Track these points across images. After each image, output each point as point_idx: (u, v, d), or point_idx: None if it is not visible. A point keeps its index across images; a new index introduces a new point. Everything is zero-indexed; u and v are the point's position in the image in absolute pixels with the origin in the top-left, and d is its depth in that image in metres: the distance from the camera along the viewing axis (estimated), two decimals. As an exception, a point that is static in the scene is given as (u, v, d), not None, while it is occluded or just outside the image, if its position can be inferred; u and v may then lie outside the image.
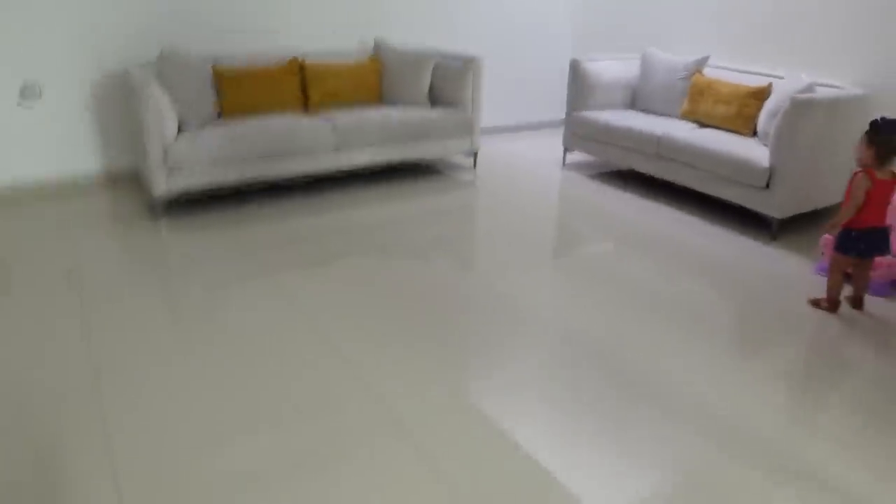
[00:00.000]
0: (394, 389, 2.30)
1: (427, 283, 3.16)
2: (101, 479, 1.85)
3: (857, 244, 2.94)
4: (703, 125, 4.43)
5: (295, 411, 2.18)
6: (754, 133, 4.15)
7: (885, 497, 1.86)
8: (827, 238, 3.37)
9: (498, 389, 2.33)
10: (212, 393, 2.26)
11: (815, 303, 3.08)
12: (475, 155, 5.02)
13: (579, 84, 4.91)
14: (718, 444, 2.06)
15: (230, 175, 3.95)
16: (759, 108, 4.12)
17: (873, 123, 2.86)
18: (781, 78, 4.17)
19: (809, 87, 3.79)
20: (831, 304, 3.03)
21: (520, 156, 5.48)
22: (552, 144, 5.61)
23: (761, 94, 4.14)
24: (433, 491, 1.84)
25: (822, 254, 3.41)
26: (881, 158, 2.83)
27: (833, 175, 3.80)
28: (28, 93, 4.02)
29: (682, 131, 4.26)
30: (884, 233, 2.96)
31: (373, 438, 2.04)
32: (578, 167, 5.19)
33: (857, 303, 3.08)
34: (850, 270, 3.08)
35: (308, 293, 3.00)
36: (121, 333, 2.63)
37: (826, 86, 3.96)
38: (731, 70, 4.57)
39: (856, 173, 2.90)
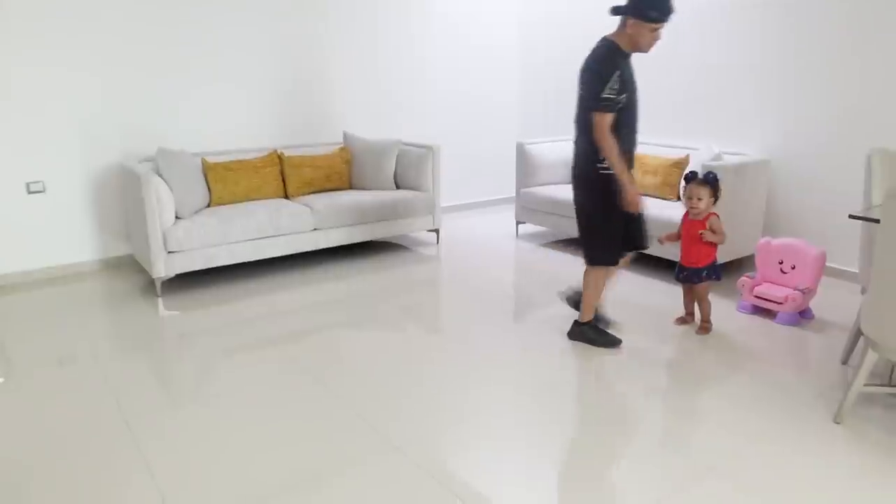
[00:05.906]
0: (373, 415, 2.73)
1: (400, 345, 3.63)
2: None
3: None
4: (635, 193, 5.07)
5: (283, 440, 2.59)
6: (678, 197, 4.80)
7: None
8: (745, 280, 3.96)
9: (464, 440, 2.79)
10: (217, 435, 2.67)
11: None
12: (437, 231, 5.57)
13: (525, 164, 5.57)
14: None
15: (221, 256, 4.40)
16: (680, 176, 4.79)
17: (715, 175, 3.54)
18: (697, 149, 4.87)
19: (718, 156, 4.48)
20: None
21: (477, 230, 6.06)
22: (506, 219, 6.21)
23: (681, 164, 4.82)
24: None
25: (741, 294, 3.99)
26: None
27: (745, 228, 4.44)
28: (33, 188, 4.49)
29: (618, 199, 4.89)
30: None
31: (363, 455, 2.47)
32: (531, 237, 5.78)
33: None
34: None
35: (290, 361, 3.43)
36: (140, 393, 3.02)
37: (733, 153, 4.67)
38: (655, 145, 5.26)
39: (713, 214, 3.52)
